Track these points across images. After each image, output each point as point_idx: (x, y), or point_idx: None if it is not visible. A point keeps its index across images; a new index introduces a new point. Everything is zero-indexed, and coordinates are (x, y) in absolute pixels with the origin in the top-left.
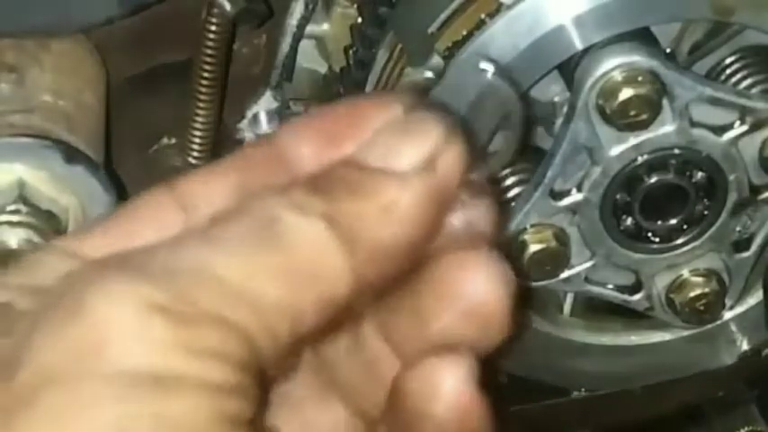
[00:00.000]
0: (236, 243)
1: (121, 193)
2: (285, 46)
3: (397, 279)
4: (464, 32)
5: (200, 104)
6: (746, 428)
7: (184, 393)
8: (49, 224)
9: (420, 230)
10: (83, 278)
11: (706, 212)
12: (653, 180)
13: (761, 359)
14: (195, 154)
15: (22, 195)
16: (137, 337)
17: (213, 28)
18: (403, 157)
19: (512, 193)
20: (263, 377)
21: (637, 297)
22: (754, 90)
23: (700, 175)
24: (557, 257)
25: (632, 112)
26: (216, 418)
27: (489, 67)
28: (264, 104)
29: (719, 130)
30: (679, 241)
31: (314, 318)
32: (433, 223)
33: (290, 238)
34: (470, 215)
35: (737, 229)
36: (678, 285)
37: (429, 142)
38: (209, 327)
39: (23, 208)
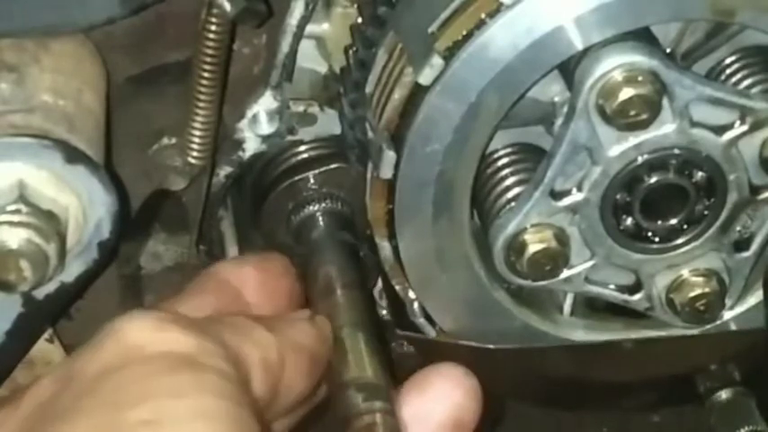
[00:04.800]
0: (204, 322)
1: (121, 193)
2: (285, 46)
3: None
4: (464, 32)
5: (200, 104)
6: (747, 428)
7: (206, 373)
8: (49, 224)
9: (314, 344)
10: (110, 323)
11: (706, 212)
12: (653, 180)
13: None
14: (195, 154)
15: (23, 195)
16: (161, 337)
17: (213, 28)
18: (293, 314)
19: (512, 194)
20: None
21: (637, 297)
22: (754, 90)
23: (700, 175)
24: (557, 257)
25: (632, 112)
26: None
27: None
28: (264, 104)
29: (719, 130)
30: (679, 241)
31: (264, 374)
32: (321, 344)
33: (228, 320)
34: None
35: (737, 229)
36: (678, 285)
37: (307, 312)
38: (209, 339)
39: (24, 208)
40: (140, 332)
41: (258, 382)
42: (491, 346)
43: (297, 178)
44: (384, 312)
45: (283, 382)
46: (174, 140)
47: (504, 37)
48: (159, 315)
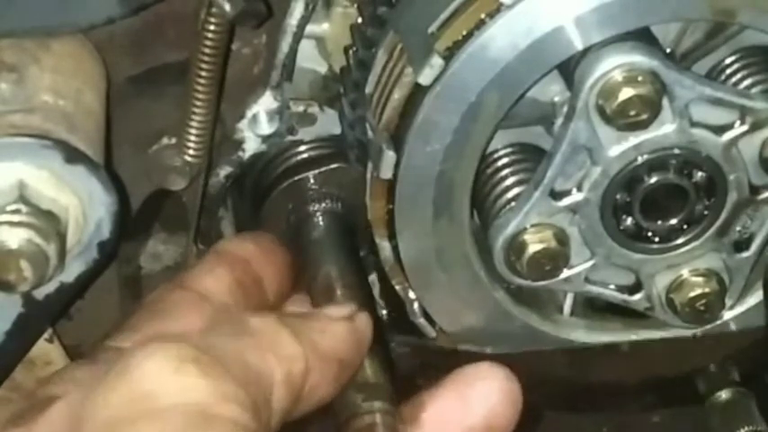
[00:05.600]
0: (228, 336)
1: (121, 193)
2: (285, 46)
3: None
4: (464, 32)
5: (198, 104)
6: (746, 428)
7: (219, 427)
8: (49, 224)
9: (345, 350)
10: (128, 350)
11: (706, 212)
12: (653, 180)
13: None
14: (192, 152)
15: (23, 195)
16: (176, 383)
17: (212, 28)
18: (332, 311)
19: (512, 194)
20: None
21: (637, 297)
22: (754, 90)
23: (700, 175)
24: (557, 257)
25: (632, 112)
26: None
27: None
28: (264, 104)
29: (719, 130)
30: (679, 241)
31: (286, 389)
32: (354, 349)
33: (255, 328)
34: None
35: (737, 229)
36: (678, 285)
37: (349, 307)
38: (229, 380)
39: (24, 208)
40: (157, 375)
41: (279, 397)
42: (488, 351)
43: (297, 178)
44: (384, 312)
45: (306, 391)
46: (173, 140)
47: (504, 37)
48: (180, 352)
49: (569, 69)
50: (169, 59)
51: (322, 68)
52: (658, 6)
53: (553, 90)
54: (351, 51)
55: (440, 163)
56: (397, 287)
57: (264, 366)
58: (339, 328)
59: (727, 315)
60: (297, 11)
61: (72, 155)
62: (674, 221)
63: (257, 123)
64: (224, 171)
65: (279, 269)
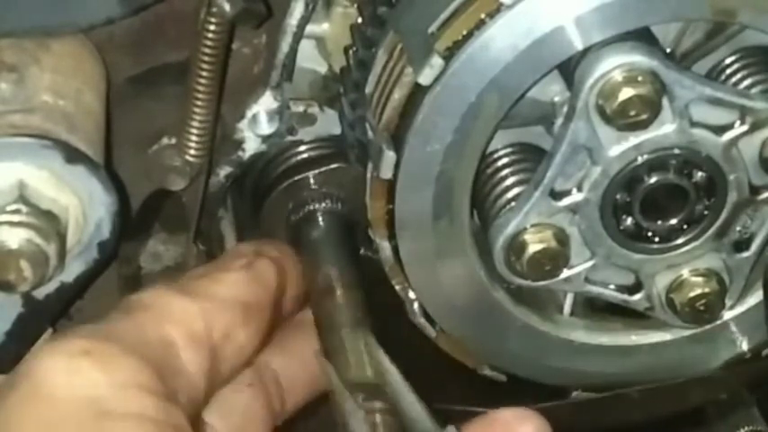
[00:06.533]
0: (121, 317)
1: (121, 193)
2: (285, 46)
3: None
4: (464, 32)
5: (198, 103)
6: (746, 428)
7: (117, 422)
8: (49, 224)
9: (246, 293)
10: (35, 348)
11: (706, 212)
12: (653, 180)
13: (760, 361)
14: (192, 152)
15: (23, 195)
16: (69, 381)
17: (212, 28)
18: (228, 263)
19: (512, 194)
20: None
21: (637, 297)
22: (754, 90)
23: (700, 175)
24: (557, 257)
25: (632, 112)
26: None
27: None
28: (264, 104)
29: (719, 130)
30: (679, 241)
31: (194, 349)
32: (256, 290)
33: (146, 302)
34: None
35: (737, 229)
36: (678, 285)
37: (247, 256)
38: (126, 362)
39: (24, 208)
40: (51, 376)
41: (190, 359)
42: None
43: (297, 178)
44: None
45: (220, 344)
46: (173, 140)
47: (504, 37)
48: (68, 347)
49: (569, 69)
50: (169, 59)
51: (322, 68)
52: (658, 6)
53: (553, 90)
54: (351, 51)
55: (440, 163)
56: (397, 287)
57: (164, 335)
58: (234, 275)
59: (727, 315)
60: (297, 11)
61: (72, 155)
62: (674, 221)
63: (257, 123)
64: (224, 171)
65: (298, 276)
